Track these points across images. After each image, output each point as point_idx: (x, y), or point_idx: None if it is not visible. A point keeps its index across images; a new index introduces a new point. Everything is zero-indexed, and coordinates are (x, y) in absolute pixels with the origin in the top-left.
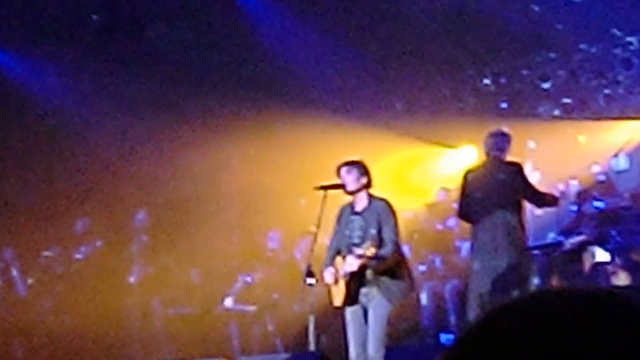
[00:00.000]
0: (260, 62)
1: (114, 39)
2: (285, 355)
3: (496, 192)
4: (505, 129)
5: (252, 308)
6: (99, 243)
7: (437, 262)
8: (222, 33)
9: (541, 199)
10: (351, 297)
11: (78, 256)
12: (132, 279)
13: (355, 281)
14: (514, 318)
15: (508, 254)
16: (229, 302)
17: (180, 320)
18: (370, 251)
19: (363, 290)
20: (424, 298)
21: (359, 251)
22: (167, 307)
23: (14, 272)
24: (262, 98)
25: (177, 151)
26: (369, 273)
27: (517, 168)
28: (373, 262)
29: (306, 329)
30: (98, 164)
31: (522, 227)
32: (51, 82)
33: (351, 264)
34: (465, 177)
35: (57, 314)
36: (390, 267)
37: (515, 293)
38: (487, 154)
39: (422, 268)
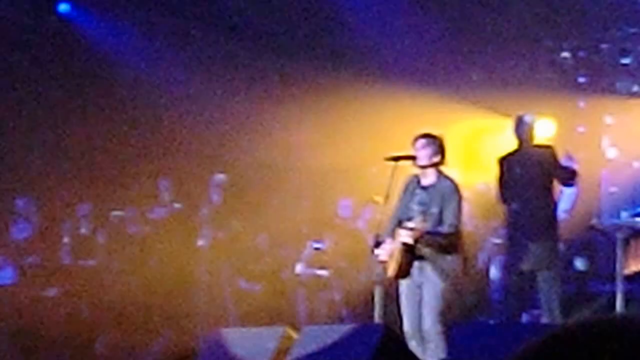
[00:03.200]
0: (338, 30)
1: None
2: (351, 326)
3: (531, 178)
4: (525, 113)
5: (324, 272)
6: (173, 205)
7: None
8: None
9: (568, 177)
10: (402, 271)
11: (151, 217)
12: (201, 243)
13: (408, 254)
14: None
15: (550, 237)
16: (300, 267)
17: (249, 285)
18: (422, 225)
19: (417, 265)
20: (494, 272)
21: (410, 224)
22: (235, 273)
23: (83, 230)
24: (338, 66)
25: (251, 116)
26: (423, 249)
27: (550, 151)
28: (428, 238)
29: (372, 299)
30: (173, 125)
31: (555, 211)
32: (126, 40)
33: (403, 235)
34: (500, 164)
35: (127, 274)
36: (446, 245)
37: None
38: (519, 140)
39: (494, 241)
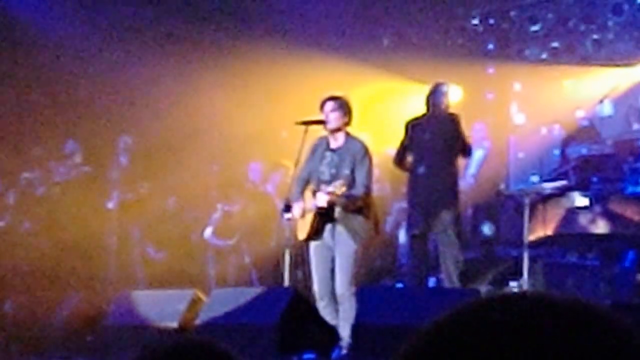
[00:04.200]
0: None
1: None
2: (259, 289)
3: (436, 143)
4: (442, 82)
5: (230, 242)
6: (82, 166)
7: None
8: None
9: (467, 151)
10: (316, 232)
11: (60, 179)
12: (110, 205)
13: (322, 217)
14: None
15: (449, 201)
16: (208, 232)
17: (157, 249)
18: (341, 190)
19: (328, 227)
20: (402, 237)
21: (329, 188)
22: (144, 236)
23: None
24: (248, 29)
25: (161, 77)
26: (337, 211)
27: (453, 118)
28: (342, 201)
29: (281, 263)
30: (84, 87)
31: (457, 176)
32: (32, 1)
33: (321, 199)
34: (406, 128)
35: (35, 236)
36: (358, 208)
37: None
38: (428, 106)
39: (403, 205)
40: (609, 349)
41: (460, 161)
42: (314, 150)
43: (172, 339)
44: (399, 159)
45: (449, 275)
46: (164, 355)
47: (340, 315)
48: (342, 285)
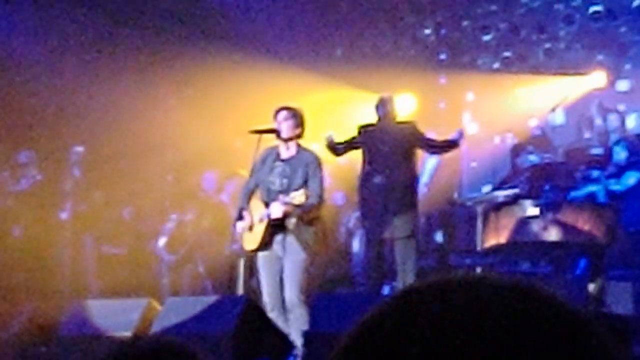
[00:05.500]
0: (201, 5)
1: None
2: (214, 297)
3: (391, 152)
4: (385, 95)
5: (176, 256)
6: (35, 177)
7: None
8: None
9: (438, 147)
10: (266, 243)
11: (13, 189)
12: (64, 215)
13: (275, 228)
14: (419, 308)
15: (408, 207)
16: (161, 243)
17: (111, 258)
18: (299, 200)
19: (278, 238)
20: (356, 245)
21: (286, 199)
22: (98, 244)
23: None
24: (202, 39)
25: (114, 88)
26: (291, 222)
27: (412, 125)
28: (298, 212)
29: (236, 272)
30: (37, 97)
31: (416, 185)
32: None
33: (277, 210)
34: (359, 131)
35: None
36: (309, 218)
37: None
38: (379, 117)
39: (356, 214)
40: (555, 331)
41: (425, 165)
42: (263, 160)
43: (140, 341)
44: (342, 150)
45: (406, 282)
46: (135, 356)
47: (291, 324)
48: (292, 293)
